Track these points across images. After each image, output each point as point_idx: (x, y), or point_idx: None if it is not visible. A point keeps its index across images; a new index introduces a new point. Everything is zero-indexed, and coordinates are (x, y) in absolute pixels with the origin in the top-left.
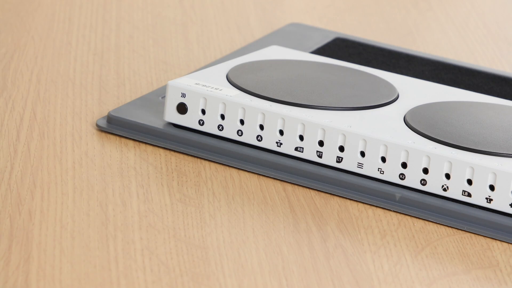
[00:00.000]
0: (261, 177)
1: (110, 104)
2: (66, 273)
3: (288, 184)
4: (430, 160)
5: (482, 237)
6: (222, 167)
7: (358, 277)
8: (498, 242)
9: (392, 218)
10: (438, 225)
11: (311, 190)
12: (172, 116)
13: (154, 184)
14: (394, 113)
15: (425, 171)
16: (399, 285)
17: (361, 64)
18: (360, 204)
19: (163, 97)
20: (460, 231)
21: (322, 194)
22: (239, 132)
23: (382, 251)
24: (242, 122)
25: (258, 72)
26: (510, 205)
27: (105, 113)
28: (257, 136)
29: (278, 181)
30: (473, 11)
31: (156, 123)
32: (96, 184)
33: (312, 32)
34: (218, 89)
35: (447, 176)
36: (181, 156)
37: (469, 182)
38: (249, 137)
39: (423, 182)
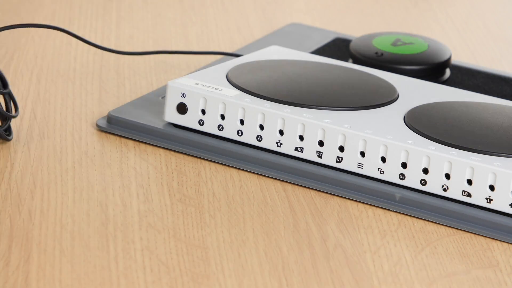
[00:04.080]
0: (261, 177)
1: (110, 104)
2: (66, 273)
3: (288, 184)
4: (430, 160)
5: (482, 237)
6: (222, 167)
7: (358, 277)
8: (498, 242)
9: (392, 218)
10: (438, 225)
11: (311, 190)
12: (172, 116)
13: (154, 184)
14: (394, 113)
15: (425, 171)
16: (399, 285)
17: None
18: (360, 204)
19: (163, 97)
20: (460, 231)
21: (322, 194)
22: (239, 132)
23: (382, 251)
24: (242, 122)
25: (258, 72)
26: (510, 205)
27: (105, 113)
28: (257, 136)
29: (278, 181)
30: (473, 11)
31: (156, 123)
32: (96, 184)
33: (312, 32)
34: (218, 89)
35: (447, 176)
36: (181, 156)
37: (469, 182)
38: (249, 137)
39: (423, 182)
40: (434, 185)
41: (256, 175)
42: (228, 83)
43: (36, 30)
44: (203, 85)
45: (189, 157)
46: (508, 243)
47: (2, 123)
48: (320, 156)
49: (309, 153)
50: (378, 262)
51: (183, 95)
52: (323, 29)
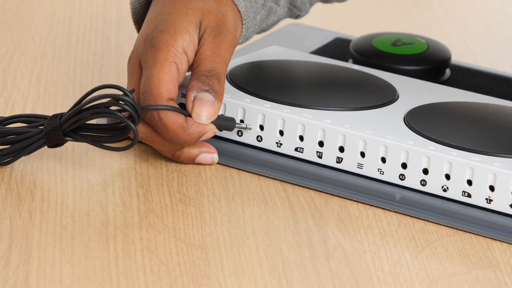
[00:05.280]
0: (261, 177)
1: None
2: (66, 273)
3: (288, 184)
4: (430, 161)
5: (482, 237)
6: (222, 167)
7: (358, 277)
8: (498, 242)
9: (392, 218)
10: (438, 225)
11: (311, 190)
12: None
13: (154, 184)
14: (394, 113)
15: (425, 171)
16: (399, 285)
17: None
18: (360, 205)
19: None
20: (460, 231)
21: (322, 194)
22: (239, 132)
23: (382, 251)
24: (242, 122)
25: (258, 72)
26: (510, 205)
27: None
28: (257, 137)
29: (278, 181)
30: (473, 11)
31: None
32: (96, 184)
33: (312, 32)
34: None
35: (447, 176)
36: None
37: (469, 182)
38: (249, 137)
39: (423, 182)
40: (434, 186)
41: (256, 175)
42: (228, 83)
43: (36, 30)
44: None
45: None
46: (508, 243)
47: None
48: (320, 157)
49: (309, 154)
50: (378, 262)
51: (183, 95)
52: (323, 29)
